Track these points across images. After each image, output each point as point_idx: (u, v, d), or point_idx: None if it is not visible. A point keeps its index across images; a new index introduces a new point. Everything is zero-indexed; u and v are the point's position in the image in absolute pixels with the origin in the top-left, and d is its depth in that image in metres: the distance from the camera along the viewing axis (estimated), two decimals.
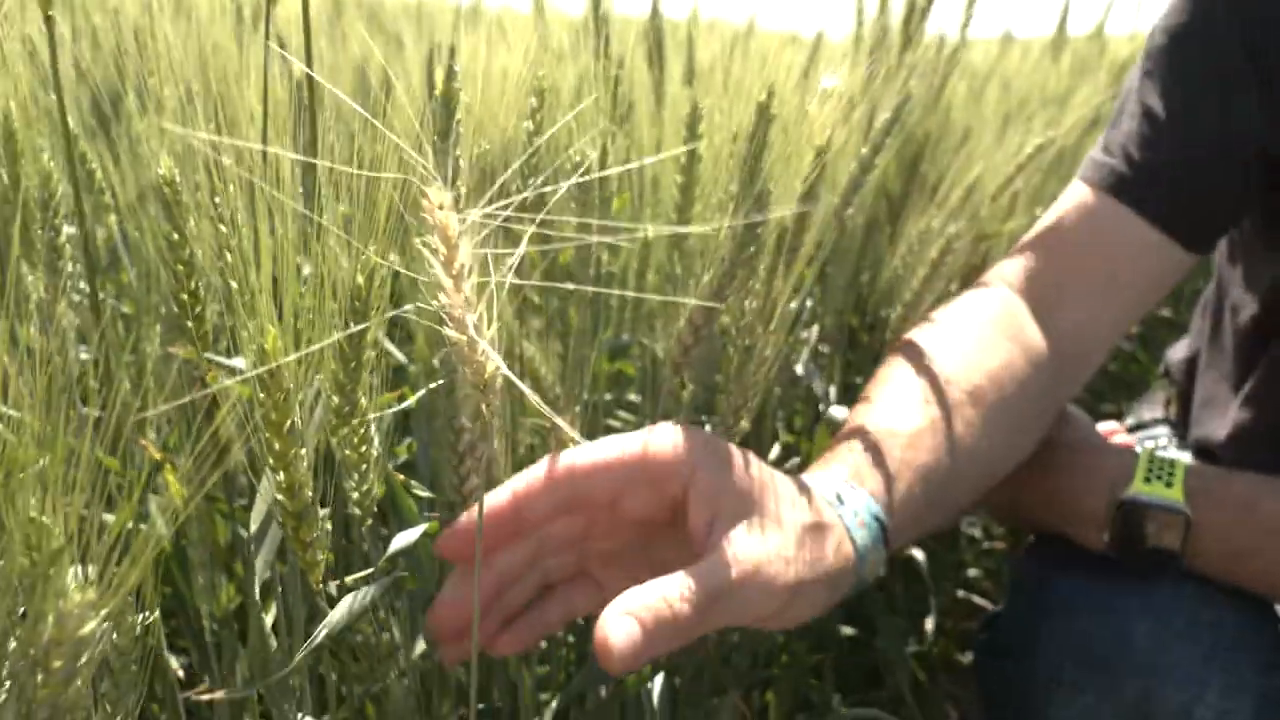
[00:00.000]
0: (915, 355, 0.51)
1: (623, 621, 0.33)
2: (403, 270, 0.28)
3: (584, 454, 0.37)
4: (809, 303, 0.90)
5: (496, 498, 0.37)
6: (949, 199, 0.74)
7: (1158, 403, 0.78)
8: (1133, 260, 0.56)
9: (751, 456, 0.40)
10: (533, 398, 0.24)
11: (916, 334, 0.54)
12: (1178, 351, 0.75)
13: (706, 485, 0.37)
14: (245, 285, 0.27)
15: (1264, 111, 0.54)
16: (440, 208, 0.24)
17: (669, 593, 0.34)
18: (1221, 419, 0.65)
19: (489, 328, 0.24)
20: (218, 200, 0.30)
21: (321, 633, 0.34)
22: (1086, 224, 0.57)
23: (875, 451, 0.44)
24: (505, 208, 0.26)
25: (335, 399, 0.31)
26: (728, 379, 0.49)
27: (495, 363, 0.25)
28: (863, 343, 0.94)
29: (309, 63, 0.35)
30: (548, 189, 0.44)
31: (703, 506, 0.37)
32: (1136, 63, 0.60)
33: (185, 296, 0.31)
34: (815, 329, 0.91)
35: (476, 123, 0.44)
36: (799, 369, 0.84)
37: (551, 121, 0.48)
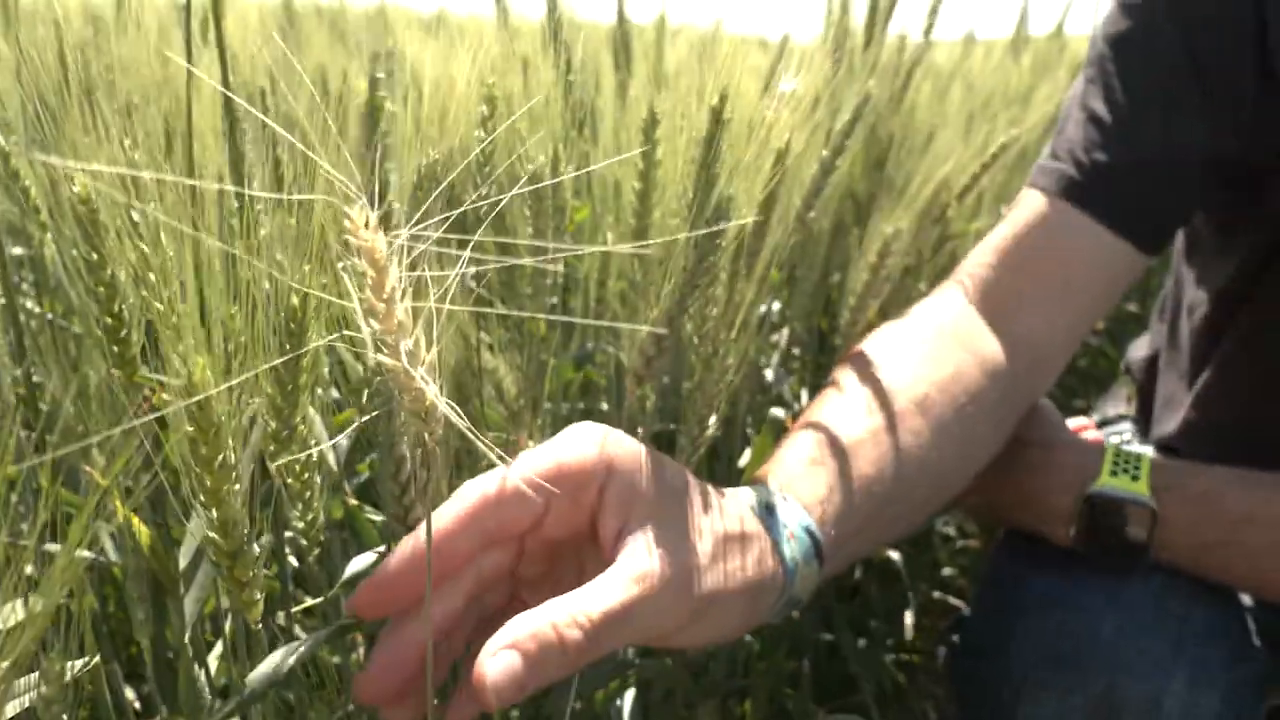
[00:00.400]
0: (861, 366, 0.50)
1: (501, 656, 0.30)
2: (329, 298, 0.27)
3: (497, 480, 0.34)
4: (778, 306, 0.90)
5: (411, 542, 0.34)
6: (915, 198, 0.73)
7: (1120, 399, 0.78)
8: (1086, 263, 0.56)
9: (671, 461, 0.38)
10: (472, 433, 0.22)
11: (865, 345, 0.53)
12: (1138, 350, 0.75)
13: (619, 490, 0.35)
14: (172, 308, 0.25)
15: (1206, 121, 0.54)
16: (365, 227, 0.22)
17: (557, 616, 0.31)
18: (1176, 418, 0.65)
19: (427, 351, 0.23)
20: (138, 218, 0.28)
21: (246, 692, 0.32)
22: (1038, 229, 0.56)
23: (811, 463, 0.43)
24: (443, 223, 0.25)
25: (273, 424, 0.29)
26: (693, 386, 0.48)
27: (432, 391, 0.23)
28: (834, 345, 0.94)
29: (224, 80, 0.34)
30: (495, 199, 0.43)
31: (614, 513, 0.35)
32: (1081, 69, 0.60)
33: (109, 320, 0.29)
34: (785, 332, 0.91)
35: (426, 132, 0.43)
36: (769, 374, 0.83)
37: (505, 131, 0.47)
